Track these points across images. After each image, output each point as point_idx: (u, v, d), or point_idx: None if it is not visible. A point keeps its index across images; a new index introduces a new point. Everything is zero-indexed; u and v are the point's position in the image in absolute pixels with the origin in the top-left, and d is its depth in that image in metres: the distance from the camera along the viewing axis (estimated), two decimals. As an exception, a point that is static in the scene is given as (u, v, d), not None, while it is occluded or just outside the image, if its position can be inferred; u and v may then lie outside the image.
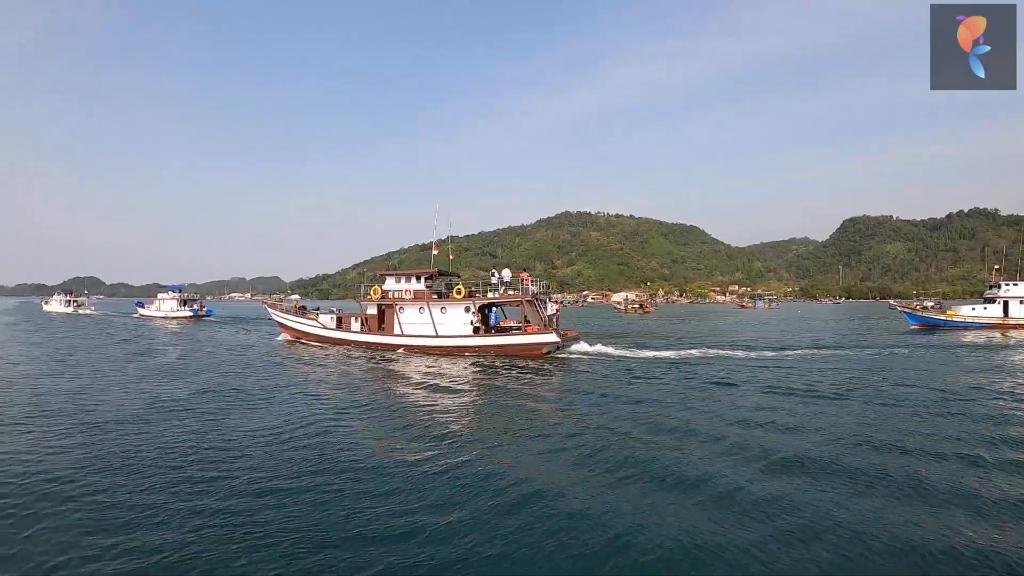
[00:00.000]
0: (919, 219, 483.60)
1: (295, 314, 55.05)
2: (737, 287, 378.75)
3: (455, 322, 44.40)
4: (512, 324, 45.42)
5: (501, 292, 45.44)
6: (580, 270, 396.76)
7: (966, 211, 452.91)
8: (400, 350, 44.73)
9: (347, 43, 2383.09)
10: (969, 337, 60.26)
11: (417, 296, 46.04)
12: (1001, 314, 71.98)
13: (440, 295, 46.45)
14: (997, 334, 64.01)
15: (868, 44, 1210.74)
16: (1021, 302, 71.60)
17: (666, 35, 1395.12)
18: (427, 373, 33.90)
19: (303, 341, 52.62)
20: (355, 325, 49.36)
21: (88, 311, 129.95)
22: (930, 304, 79.84)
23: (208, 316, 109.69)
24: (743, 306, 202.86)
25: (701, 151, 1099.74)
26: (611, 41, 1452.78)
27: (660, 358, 40.09)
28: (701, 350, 44.63)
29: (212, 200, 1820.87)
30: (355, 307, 52.10)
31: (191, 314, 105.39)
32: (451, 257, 54.54)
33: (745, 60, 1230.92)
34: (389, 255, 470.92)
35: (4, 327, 76.10)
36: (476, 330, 44.03)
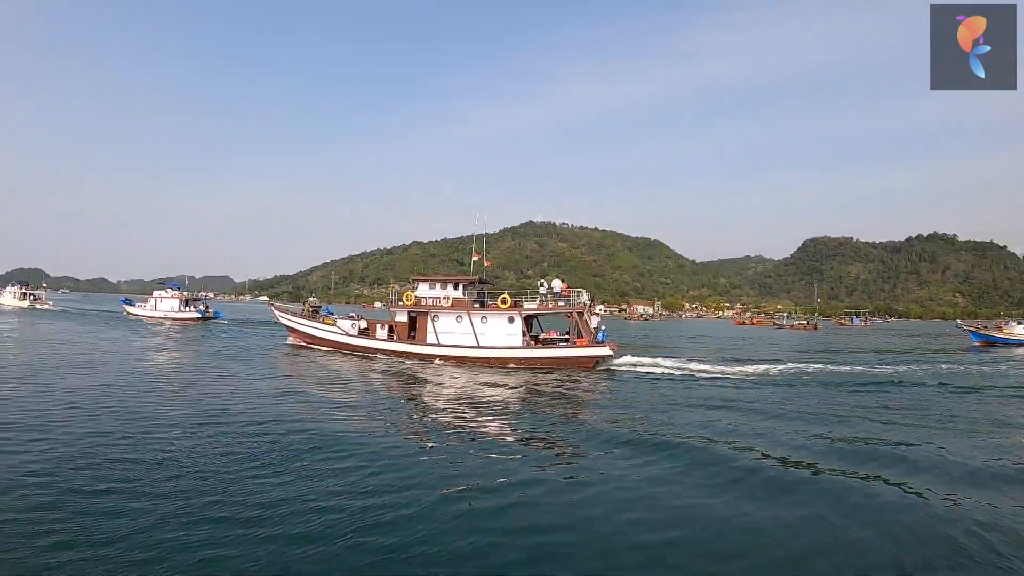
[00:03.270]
0: (879, 241, 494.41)
1: (307, 318, 51.24)
2: (741, 304, 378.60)
3: (497, 332, 41.81)
4: (555, 336, 43.49)
5: (548, 302, 43.14)
6: (562, 280, 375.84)
7: (925, 235, 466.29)
8: (436, 360, 41.90)
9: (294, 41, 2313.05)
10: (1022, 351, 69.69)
11: (456, 304, 43.37)
12: None
13: (481, 304, 43.81)
14: None
15: (827, 74, 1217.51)
16: None
17: (620, 56, 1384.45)
18: (480, 385, 32.19)
19: (315, 347, 48.98)
20: (382, 332, 45.80)
21: (45, 306, 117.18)
22: (1017, 324, 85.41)
23: (216, 319, 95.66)
24: (842, 323, 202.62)
25: (657, 168, 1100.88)
26: (566, 58, 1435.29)
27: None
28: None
29: (143, 193, 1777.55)
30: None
31: (198, 315, 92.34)
32: (487, 264, 51.08)
33: (701, 84, 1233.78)
34: (350, 258, 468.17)
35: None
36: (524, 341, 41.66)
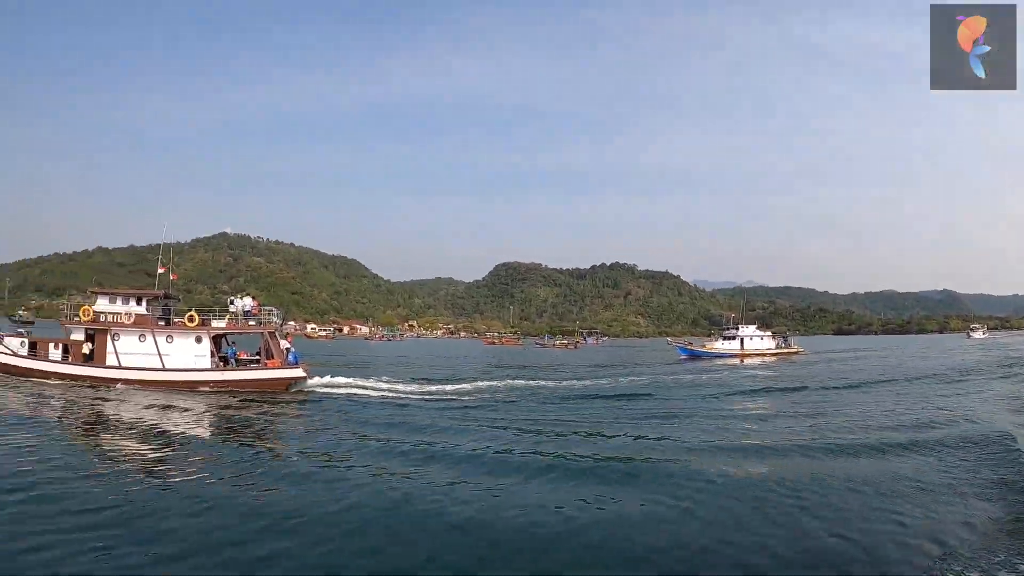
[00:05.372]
0: (565, 268, 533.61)
1: None
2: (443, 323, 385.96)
3: (185, 353, 39.05)
4: (247, 357, 41.60)
5: (239, 322, 41.18)
6: (253, 297, 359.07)
7: (608, 264, 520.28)
8: (118, 385, 37.89)
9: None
10: (723, 362, 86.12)
11: (139, 322, 39.42)
12: (739, 347, 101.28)
13: (167, 322, 40.40)
14: (738, 360, 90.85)
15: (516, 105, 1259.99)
16: (751, 338, 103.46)
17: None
18: (165, 412, 30.30)
19: None
20: (55, 352, 40.57)
21: None
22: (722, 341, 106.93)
23: None
24: (578, 344, 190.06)
25: (349, 185, 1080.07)
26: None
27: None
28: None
29: None
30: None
31: None
32: (173, 277, 45.97)
33: (382, 101, 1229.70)
34: (22, 263, 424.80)
35: None
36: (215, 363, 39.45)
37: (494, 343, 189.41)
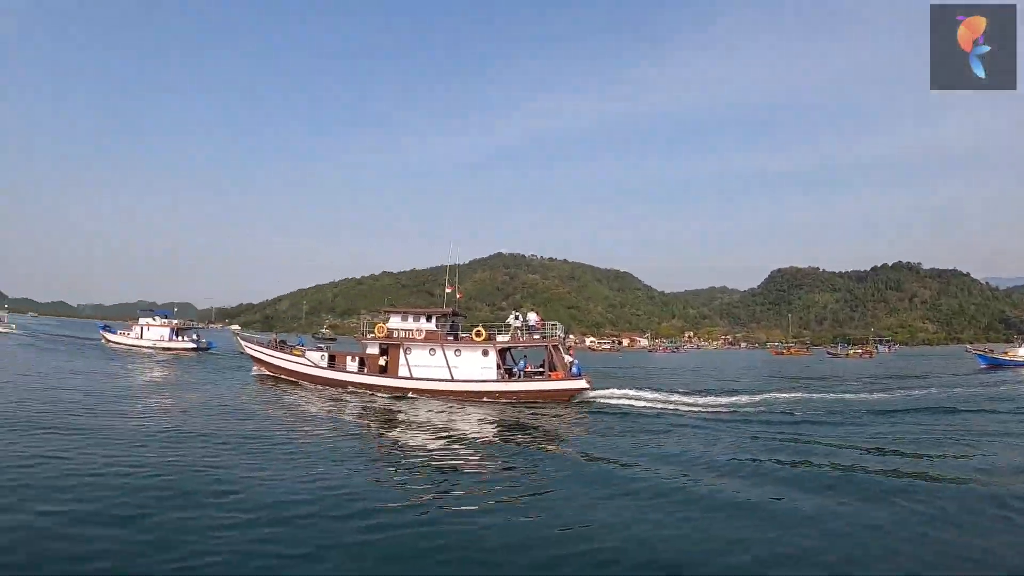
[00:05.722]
0: (844, 271, 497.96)
1: (275, 349, 49.96)
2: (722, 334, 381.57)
3: (472, 365, 41.33)
4: (532, 369, 43.11)
5: (523, 336, 42.92)
6: (537, 312, 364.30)
7: (890, 264, 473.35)
8: (409, 394, 40.90)
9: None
10: None
11: (429, 337, 42.50)
12: None
13: (455, 336, 43.48)
14: None
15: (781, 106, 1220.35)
16: None
17: (568, 86, 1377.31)
18: (455, 419, 32.18)
19: (284, 379, 47.42)
20: (352, 364, 44.84)
21: (6, 329, 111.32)
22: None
23: (210, 349, 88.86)
24: (869, 352, 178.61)
25: (619, 197, 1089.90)
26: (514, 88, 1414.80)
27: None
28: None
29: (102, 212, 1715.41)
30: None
31: (193, 346, 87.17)
32: (459, 297, 49.43)
33: (648, 113, 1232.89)
34: (319, 287, 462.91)
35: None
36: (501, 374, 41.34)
37: (782, 353, 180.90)
